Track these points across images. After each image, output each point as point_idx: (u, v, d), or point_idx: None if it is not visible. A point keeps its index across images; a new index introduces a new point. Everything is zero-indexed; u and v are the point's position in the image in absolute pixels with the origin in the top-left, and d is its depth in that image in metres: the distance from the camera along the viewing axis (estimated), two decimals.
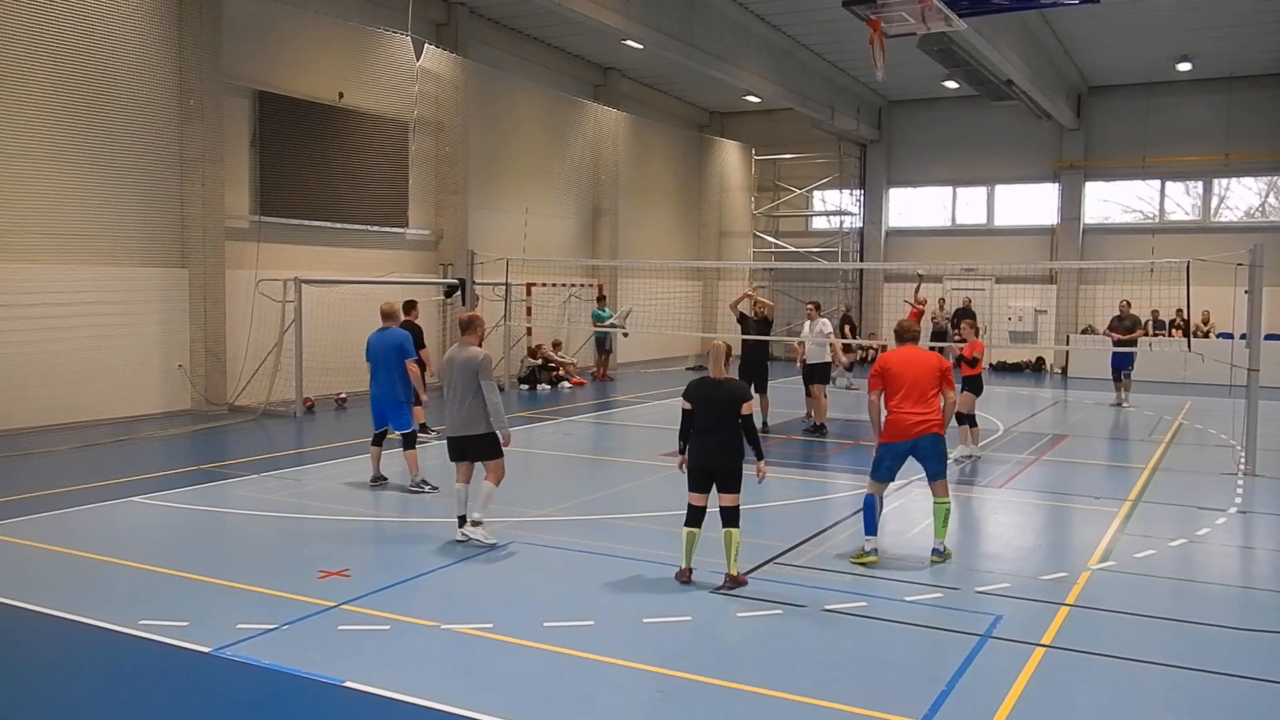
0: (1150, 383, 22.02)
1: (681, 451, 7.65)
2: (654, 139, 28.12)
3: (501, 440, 8.48)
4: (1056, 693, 5.66)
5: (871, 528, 8.07)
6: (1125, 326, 19.19)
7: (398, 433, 10.64)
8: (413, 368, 10.67)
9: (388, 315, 10.98)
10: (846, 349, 22.44)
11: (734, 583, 7.35)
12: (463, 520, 8.59)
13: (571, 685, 5.65)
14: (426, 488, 10.46)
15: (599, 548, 8.41)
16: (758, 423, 14.82)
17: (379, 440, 10.82)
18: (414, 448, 10.61)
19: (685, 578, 7.49)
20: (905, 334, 8.34)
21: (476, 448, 8.48)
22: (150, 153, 15.30)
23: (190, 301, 15.85)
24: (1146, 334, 23.53)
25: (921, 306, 21.97)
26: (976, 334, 13.46)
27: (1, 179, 13.56)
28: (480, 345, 8.69)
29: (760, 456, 7.57)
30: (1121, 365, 18.79)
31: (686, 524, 7.53)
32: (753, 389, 14.98)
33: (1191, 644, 6.47)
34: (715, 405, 7.44)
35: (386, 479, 10.84)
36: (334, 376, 16.90)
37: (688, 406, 7.55)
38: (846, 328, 22.93)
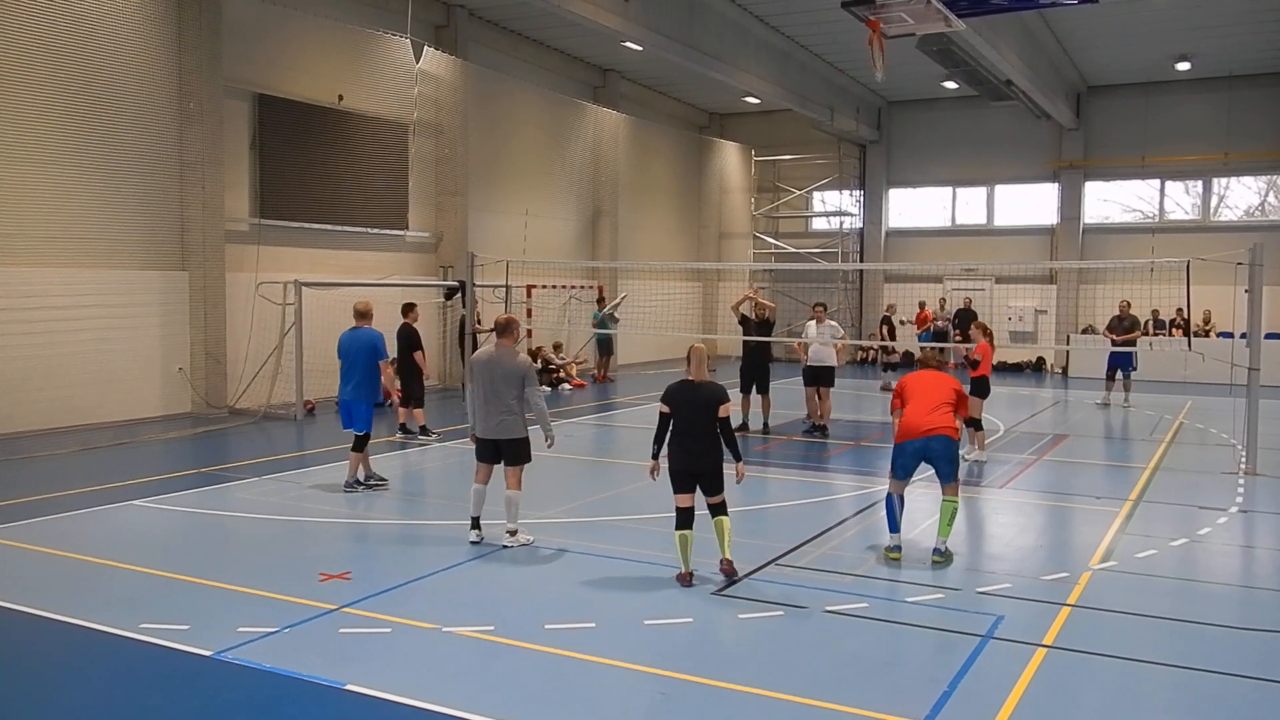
0: (1151, 382, 22.00)
1: (654, 457, 7.71)
2: (653, 140, 28.13)
3: (547, 443, 8.63)
4: (1058, 693, 5.65)
5: (893, 525, 8.23)
6: (1124, 327, 19.03)
7: (355, 432, 10.65)
8: (386, 369, 10.67)
9: (361, 314, 10.89)
10: (887, 350, 22.83)
11: (729, 569, 7.53)
12: (476, 522, 8.62)
13: (573, 687, 5.65)
14: (360, 488, 10.56)
15: (600, 549, 8.41)
16: (758, 424, 15.03)
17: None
18: (363, 450, 10.65)
19: (687, 581, 7.50)
20: (928, 361, 8.84)
21: (511, 451, 8.55)
22: (150, 156, 15.30)
23: (190, 304, 15.86)
24: (1146, 334, 23.52)
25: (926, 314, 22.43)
26: (988, 337, 13.46)
27: (2, 182, 13.57)
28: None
29: (738, 459, 7.65)
30: (1120, 365, 18.62)
31: (678, 528, 7.58)
32: (754, 390, 15.04)
33: (1193, 644, 6.47)
34: (695, 408, 7.52)
35: (386, 480, 10.86)
36: (334, 379, 16.62)
37: (666, 409, 7.61)
38: (885, 328, 23.03)
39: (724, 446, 7.54)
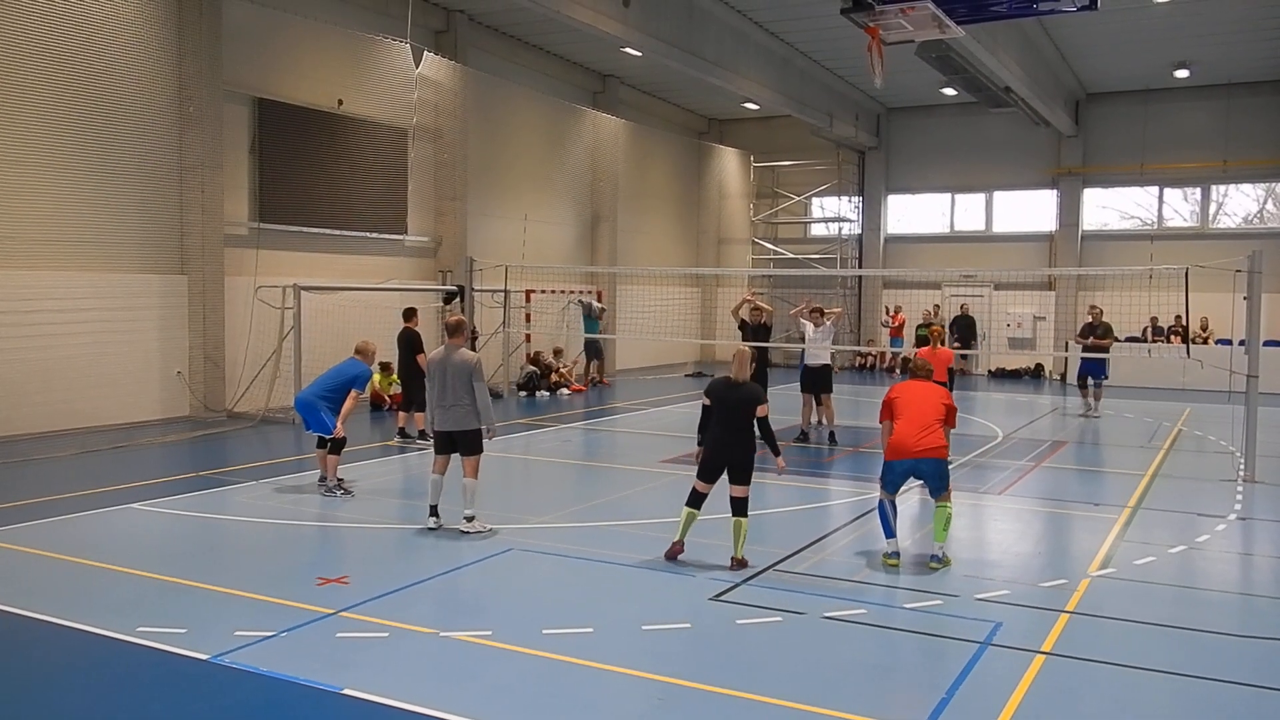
0: (1149, 389, 22.03)
1: (700, 444, 8.17)
2: (653, 146, 28.16)
3: (487, 434, 9.15)
4: (1057, 700, 5.64)
5: (888, 531, 8.24)
6: (1096, 334, 18.08)
7: (319, 434, 10.73)
8: (349, 401, 10.66)
9: (359, 351, 11.13)
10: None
11: (739, 565, 7.86)
12: (434, 510, 9.11)
13: (570, 692, 5.64)
14: (339, 492, 10.56)
15: (598, 554, 8.41)
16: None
17: (322, 443, 10.82)
18: (338, 454, 10.73)
19: (676, 550, 7.94)
20: (918, 370, 8.76)
21: (466, 442, 9.12)
22: (150, 159, 15.31)
23: (189, 308, 15.86)
24: (1145, 340, 23.50)
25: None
26: (934, 341, 13.73)
27: (1, 186, 13.57)
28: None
29: (777, 453, 8.14)
30: (1090, 372, 18.01)
31: (687, 504, 8.04)
32: None
33: (1192, 651, 6.47)
34: (731, 405, 8.01)
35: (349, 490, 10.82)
36: None
37: (707, 403, 8.12)
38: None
39: (758, 442, 8.00)
